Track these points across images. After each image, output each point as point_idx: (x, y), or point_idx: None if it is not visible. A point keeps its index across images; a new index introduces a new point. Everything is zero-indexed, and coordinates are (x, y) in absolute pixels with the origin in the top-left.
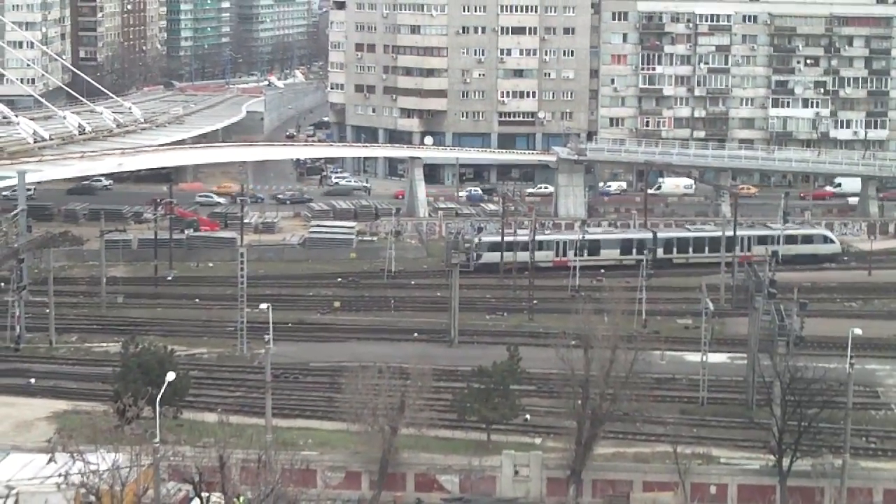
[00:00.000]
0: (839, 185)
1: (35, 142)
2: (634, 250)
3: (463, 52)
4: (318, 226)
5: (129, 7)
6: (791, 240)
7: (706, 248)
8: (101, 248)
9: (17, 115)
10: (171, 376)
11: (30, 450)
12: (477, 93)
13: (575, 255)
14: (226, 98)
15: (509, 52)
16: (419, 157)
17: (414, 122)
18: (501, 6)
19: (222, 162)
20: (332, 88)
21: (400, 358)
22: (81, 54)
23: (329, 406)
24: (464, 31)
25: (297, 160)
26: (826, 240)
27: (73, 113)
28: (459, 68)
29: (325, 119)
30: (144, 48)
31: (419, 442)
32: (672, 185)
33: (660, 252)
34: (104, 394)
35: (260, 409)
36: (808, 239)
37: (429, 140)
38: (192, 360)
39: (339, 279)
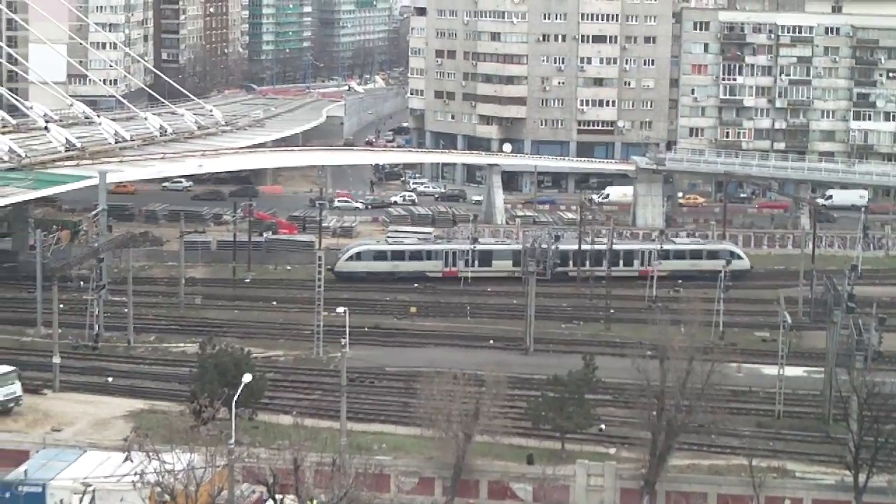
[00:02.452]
0: (830, 197)
1: (116, 142)
2: None
3: (543, 60)
4: (396, 231)
5: (211, 10)
6: (695, 255)
7: (604, 262)
8: (181, 249)
9: (99, 116)
10: (247, 378)
11: (106, 448)
12: (556, 101)
13: (466, 265)
14: (306, 102)
15: (589, 61)
16: (497, 164)
17: (493, 129)
18: (582, 14)
19: (301, 166)
20: (411, 94)
21: (475, 365)
22: (164, 56)
23: (404, 411)
24: (544, 39)
25: (377, 165)
26: (733, 255)
27: (154, 114)
28: (539, 76)
29: (405, 124)
30: (226, 51)
31: (493, 449)
32: (619, 193)
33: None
34: (181, 394)
35: (335, 412)
36: (713, 254)
37: (507, 147)
38: (269, 363)
39: (416, 285)
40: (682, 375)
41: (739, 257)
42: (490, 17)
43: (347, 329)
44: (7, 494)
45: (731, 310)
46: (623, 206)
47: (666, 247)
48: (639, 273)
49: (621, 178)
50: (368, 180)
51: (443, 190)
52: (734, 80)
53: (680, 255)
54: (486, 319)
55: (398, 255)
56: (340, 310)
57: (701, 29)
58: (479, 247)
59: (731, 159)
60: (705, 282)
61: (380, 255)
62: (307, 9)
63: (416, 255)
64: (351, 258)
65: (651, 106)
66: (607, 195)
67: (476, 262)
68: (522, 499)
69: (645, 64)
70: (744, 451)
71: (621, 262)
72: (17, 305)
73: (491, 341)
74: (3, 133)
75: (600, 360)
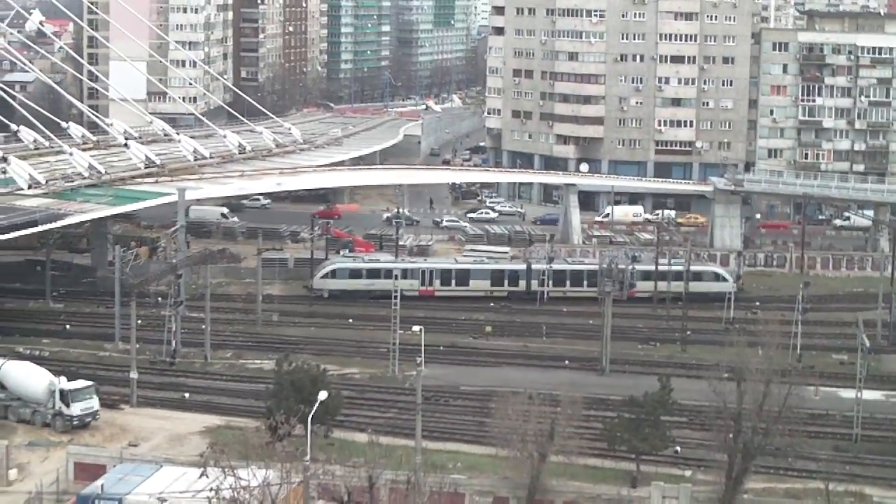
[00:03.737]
0: (848, 218)
1: (195, 160)
2: (506, 281)
3: (621, 80)
4: (473, 250)
5: (290, 29)
6: (678, 276)
7: (584, 282)
8: (258, 266)
9: (178, 133)
10: (323, 395)
11: (182, 463)
12: (634, 121)
13: (442, 284)
14: (384, 121)
15: (667, 81)
16: (574, 184)
17: (570, 149)
18: (661, 34)
19: (378, 184)
20: (489, 113)
21: (550, 385)
22: (243, 74)
23: (479, 430)
24: (622, 59)
25: (453, 184)
26: (718, 277)
27: (233, 132)
28: (617, 96)
29: (482, 144)
30: (305, 70)
31: (568, 470)
32: (621, 213)
33: (534, 284)
34: (257, 410)
35: (410, 430)
36: (697, 276)
37: (584, 167)
38: (344, 380)
39: (492, 304)
40: (758, 398)
41: (724, 279)
42: (568, 36)
43: (423, 347)
44: None
45: (808, 332)
46: (632, 225)
47: (648, 268)
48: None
49: (698, 199)
50: (451, 197)
51: (520, 209)
52: (813, 101)
53: (663, 276)
54: (561, 339)
55: (373, 273)
56: (416, 328)
57: (780, 50)
58: (456, 266)
59: (810, 181)
60: (691, 303)
61: (355, 273)
62: (386, 28)
63: (391, 274)
64: (326, 276)
65: (729, 126)
66: (608, 214)
67: (453, 282)
68: None
69: (723, 84)
70: (821, 475)
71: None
72: (95, 320)
73: (566, 361)
74: (84, 149)
75: (676, 381)
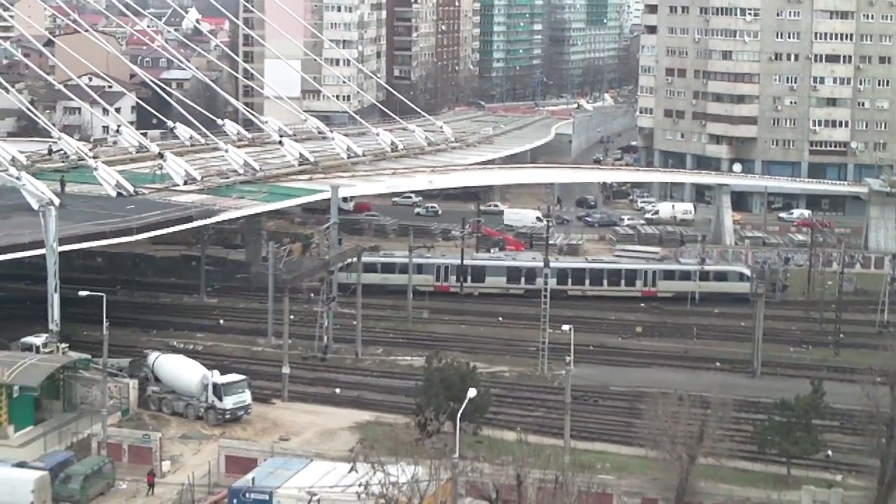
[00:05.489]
0: None
1: (348, 157)
2: (523, 279)
3: (775, 80)
4: (624, 250)
5: (443, 28)
6: (703, 276)
7: (604, 282)
8: (409, 263)
9: (332, 131)
10: (472, 392)
11: (332, 458)
12: (788, 120)
13: (457, 280)
14: (535, 120)
15: (822, 80)
16: (727, 185)
17: (723, 149)
18: (816, 34)
19: (529, 183)
20: (640, 113)
21: (700, 386)
22: (396, 73)
23: (627, 431)
24: (776, 58)
25: (605, 183)
26: (742, 277)
27: (385, 130)
28: (771, 95)
29: (633, 143)
30: (457, 68)
31: (717, 472)
32: (669, 209)
33: (553, 283)
34: (406, 407)
35: (558, 429)
36: (721, 276)
37: (737, 167)
38: (494, 378)
39: (642, 304)
40: None
41: (749, 279)
42: (721, 35)
43: (572, 347)
44: (235, 501)
45: None
46: (682, 222)
47: (671, 267)
48: (641, 294)
49: (853, 201)
50: (602, 196)
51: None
52: None
53: (685, 276)
54: (712, 341)
55: (388, 268)
56: (566, 327)
57: None
58: (471, 262)
59: None
60: (714, 304)
61: (369, 268)
62: (538, 26)
63: (405, 269)
64: (341, 269)
65: (885, 127)
66: (657, 211)
67: (469, 278)
68: None
69: (880, 84)
70: None
71: (623, 282)
72: (248, 315)
73: (717, 363)
74: (239, 146)
75: (828, 385)
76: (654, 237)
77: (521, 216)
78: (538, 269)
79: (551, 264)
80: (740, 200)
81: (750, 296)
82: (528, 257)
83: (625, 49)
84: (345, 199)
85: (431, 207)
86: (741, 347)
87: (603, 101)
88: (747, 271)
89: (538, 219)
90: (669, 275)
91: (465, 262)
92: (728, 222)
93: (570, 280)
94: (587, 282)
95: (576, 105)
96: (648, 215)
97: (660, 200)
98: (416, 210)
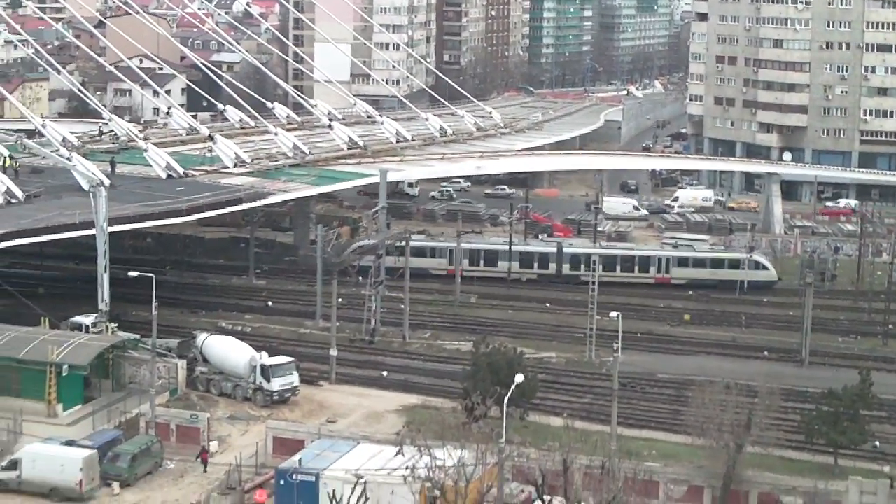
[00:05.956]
0: None
1: (397, 142)
2: (536, 264)
3: (826, 68)
4: (672, 237)
5: (493, 13)
6: (716, 263)
7: (617, 267)
8: (458, 248)
9: (381, 116)
10: (519, 378)
11: (379, 441)
12: (839, 109)
13: (470, 264)
14: (584, 106)
15: (874, 70)
16: (776, 173)
17: (773, 138)
18: (868, 23)
19: (578, 169)
20: (690, 100)
21: (748, 375)
22: (445, 58)
23: (674, 418)
24: (827, 47)
25: (653, 170)
26: (758, 266)
27: (434, 115)
28: (821, 84)
29: (683, 130)
30: (506, 54)
31: (764, 461)
32: (690, 196)
33: (565, 268)
34: (453, 391)
35: (605, 416)
36: (734, 263)
37: (787, 156)
38: (541, 364)
39: (691, 292)
40: None
41: (765, 267)
42: (772, 23)
43: (620, 333)
44: (282, 482)
45: None
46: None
47: (684, 254)
48: (654, 280)
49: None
50: (651, 183)
51: (720, 197)
52: None
53: (700, 263)
54: (760, 330)
55: (400, 252)
56: (613, 314)
57: None
58: (483, 246)
59: None
60: (727, 292)
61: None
62: (588, 13)
63: (418, 252)
64: (355, 251)
65: None
66: (677, 197)
67: (482, 263)
68: None
69: None
70: None
71: (636, 269)
72: (296, 298)
73: (765, 352)
74: (289, 130)
75: (876, 375)
76: (703, 225)
77: (620, 204)
78: (551, 255)
79: (564, 250)
80: (790, 190)
81: (771, 284)
82: (542, 243)
83: (675, 36)
84: (410, 185)
85: (446, 190)
86: (789, 336)
87: (653, 88)
88: (763, 259)
89: (635, 207)
90: (683, 262)
91: (478, 246)
92: (777, 211)
93: (582, 266)
94: (601, 267)
95: (625, 92)
96: (668, 201)
97: (709, 187)
98: (431, 193)
